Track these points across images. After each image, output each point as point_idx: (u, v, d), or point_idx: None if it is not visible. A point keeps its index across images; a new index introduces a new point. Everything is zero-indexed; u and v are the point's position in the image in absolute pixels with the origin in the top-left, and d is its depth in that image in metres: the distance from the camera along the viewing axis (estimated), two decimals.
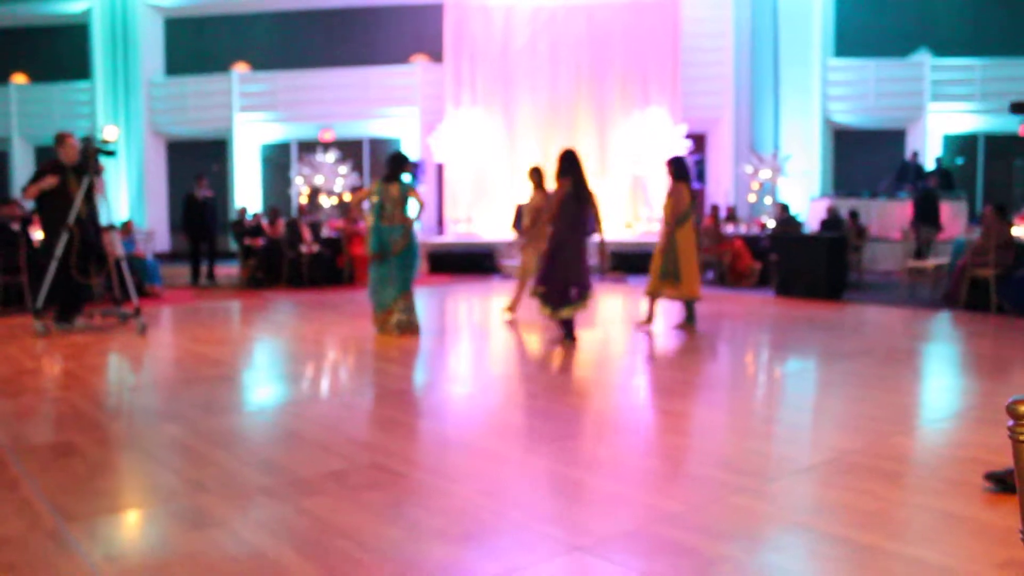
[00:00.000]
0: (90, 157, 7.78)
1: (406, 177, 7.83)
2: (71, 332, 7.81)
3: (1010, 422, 0.90)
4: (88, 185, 7.78)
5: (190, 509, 3.19)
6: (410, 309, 7.72)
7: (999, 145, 17.43)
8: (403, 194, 7.59)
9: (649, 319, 8.14)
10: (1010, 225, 9.80)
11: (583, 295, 7.19)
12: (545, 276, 7.16)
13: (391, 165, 7.69)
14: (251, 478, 3.56)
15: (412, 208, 7.65)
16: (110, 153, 7.97)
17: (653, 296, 8.11)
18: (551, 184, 7.57)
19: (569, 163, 7.12)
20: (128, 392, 5.65)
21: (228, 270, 14.32)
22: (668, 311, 9.45)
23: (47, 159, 8.09)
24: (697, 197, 8.24)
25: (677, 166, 7.96)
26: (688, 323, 8.10)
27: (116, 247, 8.27)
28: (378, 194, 7.57)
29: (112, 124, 17.92)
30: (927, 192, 12.26)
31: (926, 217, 12.12)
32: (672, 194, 7.88)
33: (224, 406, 5.03)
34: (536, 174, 8.59)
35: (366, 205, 7.79)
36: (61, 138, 7.91)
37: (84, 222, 7.80)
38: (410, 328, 7.69)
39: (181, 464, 3.83)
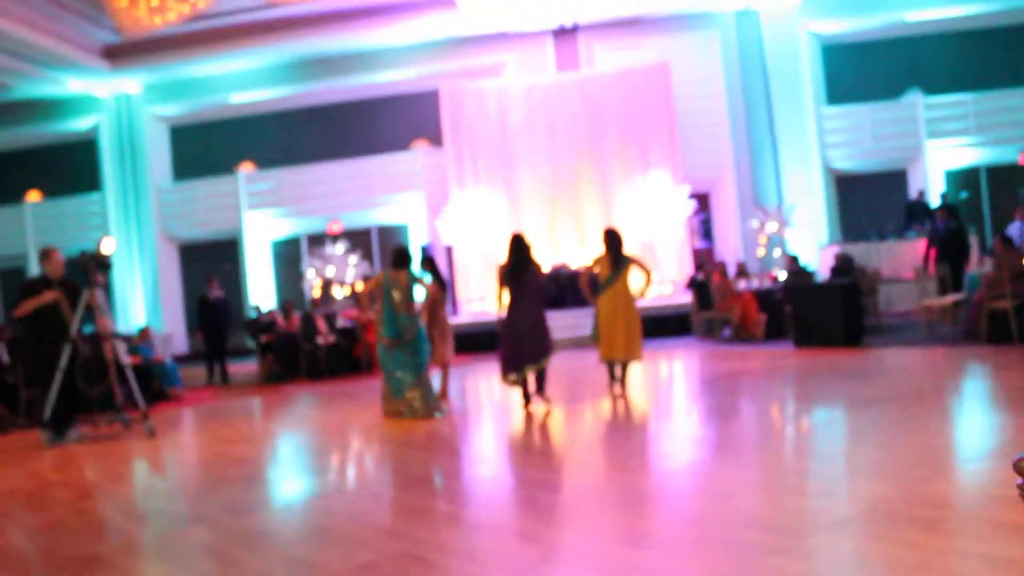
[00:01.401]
0: (88, 270, 7.90)
1: (414, 266, 8.07)
2: (66, 444, 7.80)
3: (1019, 480, 0.88)
4: (86, 298, 7.89)
5: None
6: (425, 394, 7.88)
7: (1001, 176, 17.47)
8: (411, 282, 7.91)
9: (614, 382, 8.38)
10: (1020, 255, 9.75)
11: (541, 356, 7.59)
12: (507, 350, 7.65)
13: (397, 256, 8.00)
14: None
15: (419, 297, 8.00)
16: (106, 266, 8.12)
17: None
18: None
19: (512, 246, 7.73)
20: (153, 498, 5.62)
21: (247, 367, 14.36)
22: (661, 373, 9.38)
23: (30, 278, 8.24)
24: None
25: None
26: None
27: (120, 355, 8.34)
28: (385, 283, 7.86)
29: (111, 236, 18.28)
30: (955, 228, 12.34)
31: (959, 252, 12.19)
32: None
33: (250, 505, 4.99)
34: (429, 263, 9.01)
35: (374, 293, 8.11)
36: (46, 253, 8.08)
37: (82, 335, 7.94)
38: (429, 412, 7.82)
39: (210, 568, 3.79)
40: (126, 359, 8.40)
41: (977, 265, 13.07)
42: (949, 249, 12.06)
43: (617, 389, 8.27)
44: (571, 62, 17.56)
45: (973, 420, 5.99)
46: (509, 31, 17.38)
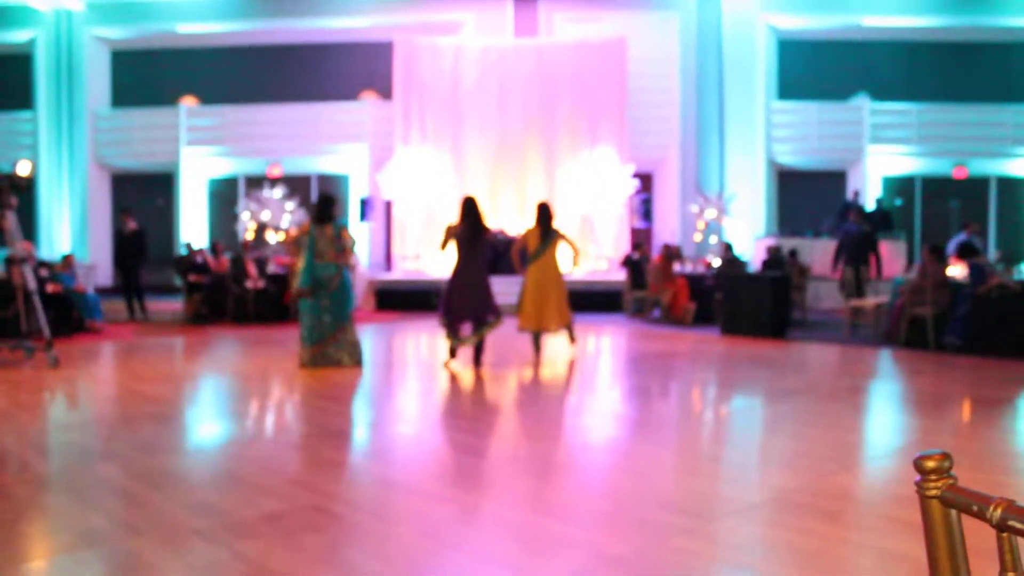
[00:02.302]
0: (1, 191, 7.62)
1: (339, 214, 8.05)
2: None
3: (917, 477, 0.89)
4: None
5: (121, 553, 3.09)
6: (350, 343, 7.91)
7: (935, 187, 17.92)
8: (336, 233, 7.86)
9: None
10: (945, 265, 10.05)
11: (485, 322, 7.88)
12: (447, 307, 7.90)
13: (322, 206, 7.94)
14: (186, 521, 3.47)
15: (345, 246, 7.91)
16: (21, 188, 7.81)
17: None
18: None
19: (466, 208, 7.91)
20: (62, 431, 5.49)
21: (173, 305, 14.07)
22: (595, 345, 9.48)
23: None
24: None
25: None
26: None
27: (27, 280, 8.04)
28: (311, 233, 7.80)
29: (36, 158, 17.65)
30: (867, 232, 12.39)
31: (865, 256, 12.19)
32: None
33: (162, 446, 4.90)
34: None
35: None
36: None
37: None
38: (352, 361, 7.89)
39: (114, 506, 3.72)
40: (33, 284, 8.10)
41: (903, 272, 13.42)
42: (856, 252, 12.08)
43: (537, 358, 8.51)
44: (529, 28, 17.41)
45: (883, 419, 6.19)
46: None
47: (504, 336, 10.33)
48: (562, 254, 8.61)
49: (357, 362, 7.92)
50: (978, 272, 9.60)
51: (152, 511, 3.60)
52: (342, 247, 7.85)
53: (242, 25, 18.24)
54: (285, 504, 3.70)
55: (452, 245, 7.91)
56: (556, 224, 8.60)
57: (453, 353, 8.00)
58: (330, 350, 7.85)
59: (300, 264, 7.80)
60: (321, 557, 3.07)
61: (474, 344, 7.96)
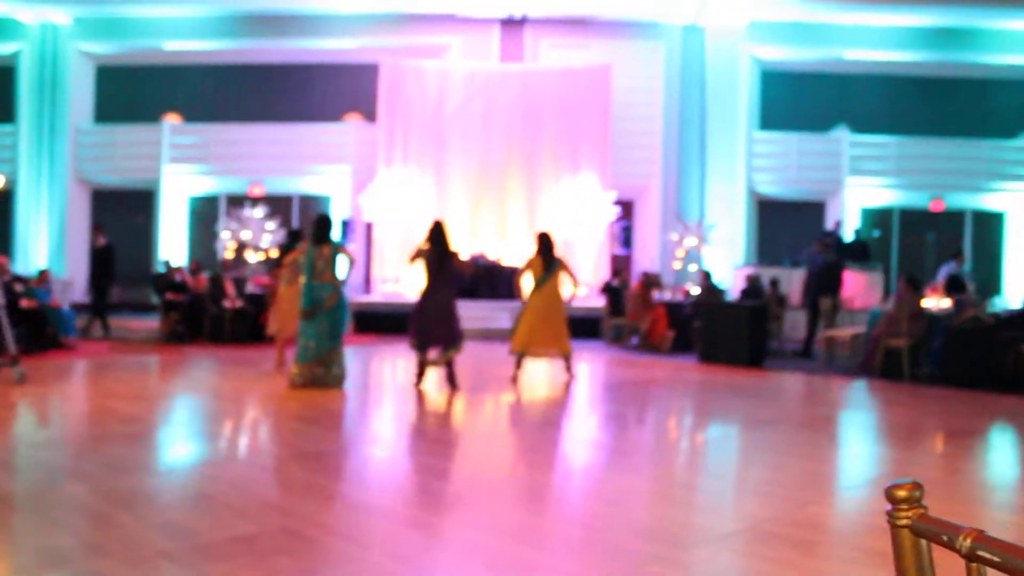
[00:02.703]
0: None
1: (335, 235, 8.10)
2: None
3: (888, 506, 0.89)
4: None
5: (86, 574, 3.03)
6: (338, 363, 8.00)
7: (912, 219, 18.12)
8: (333, 253, 7.97)
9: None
10: (921, 297, 10.14)
11: (451, 346, 7.93)
12: (414, 329, 7.98)
13: (319, 226, 8.08)
14: (154, 542, 3.42)
15: (342, 266, 8.04)
16: None
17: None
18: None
19: (434, 233, 8.00)
20: (29, 448, 5.41)
21: (149, 323, 13.95)
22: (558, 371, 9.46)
23: None
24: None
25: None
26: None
27: None
28: (309, 253, 7.93)
29: (19, 171, 17.49)
30: (831, 263, 12.29)
31: (830, 288, 12.04)
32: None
33: (133, 465, 4.84)
34: (296, 236, 9.47)
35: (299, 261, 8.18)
36: None
37: None
38: (337, 382, 7.96)
39: (80, 526, 3.66)
40: (1, 300, 7.96)
41: (880, 303, 13.50)
42: (821, 283, 11.95)
43: (516, 376, 8.67)
44: (515, 54, 17.53)
45: (857, 449, 6.20)
46: (457, 14, 17.24)
47: (485, 359, 10.31)
48: (564, 283, 8.83)
49: (341, 383, 7.98)
50: (961, 307, 9.70)
51: (120, 532, 3.55)
52: (338, 266, 7.98)
53: (228, 44, 18.23)
54: (257, 527, 3.65)
55: (421, 266, 8.03)
56: (558, 254, 8.83)
57: (421, 375, 8.06)
58: (320, 371, 7.89)
59: (281, 286, 7.89)
60: None
61: (443, 365, 8.02)
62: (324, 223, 8.11)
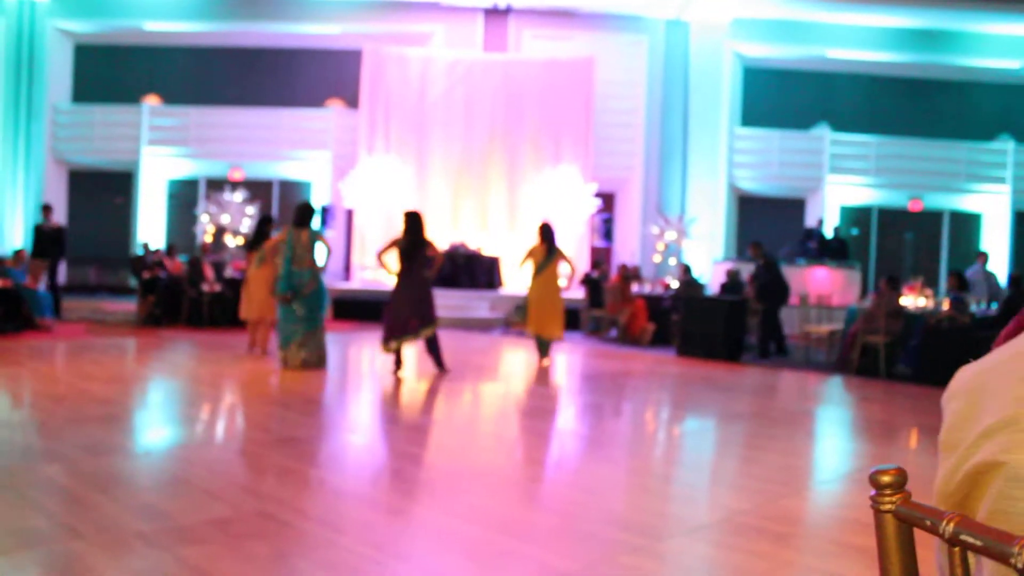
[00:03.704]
0: None
1: (315, 223, 8.17)
2: None
3: (872, 491, 0.90)
4: None
5: (60, 556, 3.01)
6: (318, 346, 8.21)
7: (891, 218, 18.29)
8: (312, 240, 8.12)
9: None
10: (899, 295, 10.22)
11: (425, 325, 7.96)
12: (388, 323, 8.06)
13: (300, 213, 8.25)
14: (129, 524, 3.39)
15: (320, 253, 8.18)
16: None
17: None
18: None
19: (408, 223, 8.06)
20: (4, 429, 5.35)
21: (127, 306, 13.83)
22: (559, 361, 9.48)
23: None
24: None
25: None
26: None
27: None
28: (289, 239, 8.06)
29: (9, 149, 17.28)
30: (772, 262, 11.97)
31: (770, 295, 11.63)
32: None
33: (109, 447, 4.80)
34: (266, 221, 9.60)
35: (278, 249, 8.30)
36: None
37: None
38: (317, 364, 8.18)
39: (55, 507, 3.63)
40: None
41: (857, 301, 13.60)
42: (761, 289, 11.62)
43: (545, 362, 9.36)
44: (499, 43, 17.48)
45: (832, 444, 6.26)
46: (441, 2, 17.16)
47: (462, 347, 10.31)
48: (562, 270, 9.43)
49: (322, 366, 8.21)
50: (962, 307, 9.78)
51: (95, 514, 3.52)
52: (317, 252, 8.12)
53: (210, 26, 18.05)
54: (232, 510, 3.64)
55: (395, 256, 8.09)
56: (557, 243, 9.39)
57: (398, 362, 8.06)
58: (301, 352, 8.09)
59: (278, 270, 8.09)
60: (265, 565, 3.01)
61: (416, 341, 8.05)
62: (306, 210, 8.27)
